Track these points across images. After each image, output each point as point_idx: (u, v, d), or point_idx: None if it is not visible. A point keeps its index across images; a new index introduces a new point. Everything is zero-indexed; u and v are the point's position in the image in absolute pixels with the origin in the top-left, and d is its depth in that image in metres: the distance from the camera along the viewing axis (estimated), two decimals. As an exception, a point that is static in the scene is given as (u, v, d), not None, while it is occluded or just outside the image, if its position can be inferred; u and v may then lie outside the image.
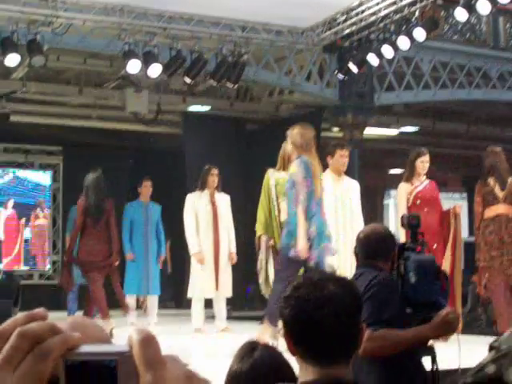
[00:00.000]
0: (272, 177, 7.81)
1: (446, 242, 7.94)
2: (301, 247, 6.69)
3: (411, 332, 3.54)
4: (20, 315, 0.75)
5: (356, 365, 2.10)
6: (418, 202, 8.21)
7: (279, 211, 7.68)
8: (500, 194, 8.51)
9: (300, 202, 6.80)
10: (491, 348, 1.93)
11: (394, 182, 22.16)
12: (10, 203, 15.13)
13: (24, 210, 15.38)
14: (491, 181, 8.55)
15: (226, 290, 9.88)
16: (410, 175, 8.41)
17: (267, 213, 7.79)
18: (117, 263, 9.79)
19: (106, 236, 9.57)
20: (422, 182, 8.40)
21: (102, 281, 9.51)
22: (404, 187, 8.39)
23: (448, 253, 7.82)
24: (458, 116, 17.23)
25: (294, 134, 7.16)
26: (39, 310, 0.77)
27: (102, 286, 9.45)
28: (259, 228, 7.88)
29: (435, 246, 7.78)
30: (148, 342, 0.74)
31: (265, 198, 7.86)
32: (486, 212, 8.53)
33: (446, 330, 3.51)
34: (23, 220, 15.39)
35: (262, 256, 7.76)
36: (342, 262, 7.60)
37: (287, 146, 7.44)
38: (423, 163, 8.38)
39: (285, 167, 7.61)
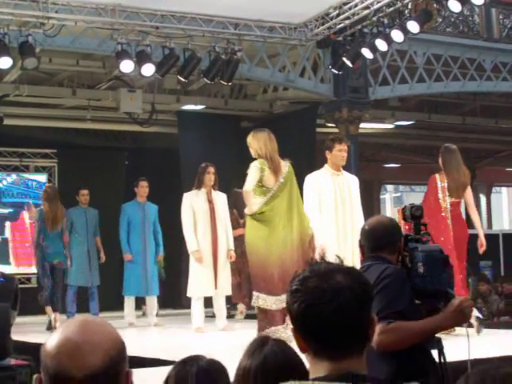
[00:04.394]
0: None
1: None
2: None
3: (425, 323, 3.49)
4: None
5: (366, 358, 2.03)
6: None
7: None
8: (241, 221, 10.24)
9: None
10: None
11: (390, 176, 22.23)
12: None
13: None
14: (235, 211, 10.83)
15: (226, 287, 9.83)
16: None
17: None
18: None
19: None
20: None
21: None
22: None
23: None
24: (453, 108, 17.21)
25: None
26: None
27: None
28: None
29: None
30: None
31: None
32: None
33: (459, 319, 3.47)
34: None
35: None
36: (342, 256, 7.54)
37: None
38: None
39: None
